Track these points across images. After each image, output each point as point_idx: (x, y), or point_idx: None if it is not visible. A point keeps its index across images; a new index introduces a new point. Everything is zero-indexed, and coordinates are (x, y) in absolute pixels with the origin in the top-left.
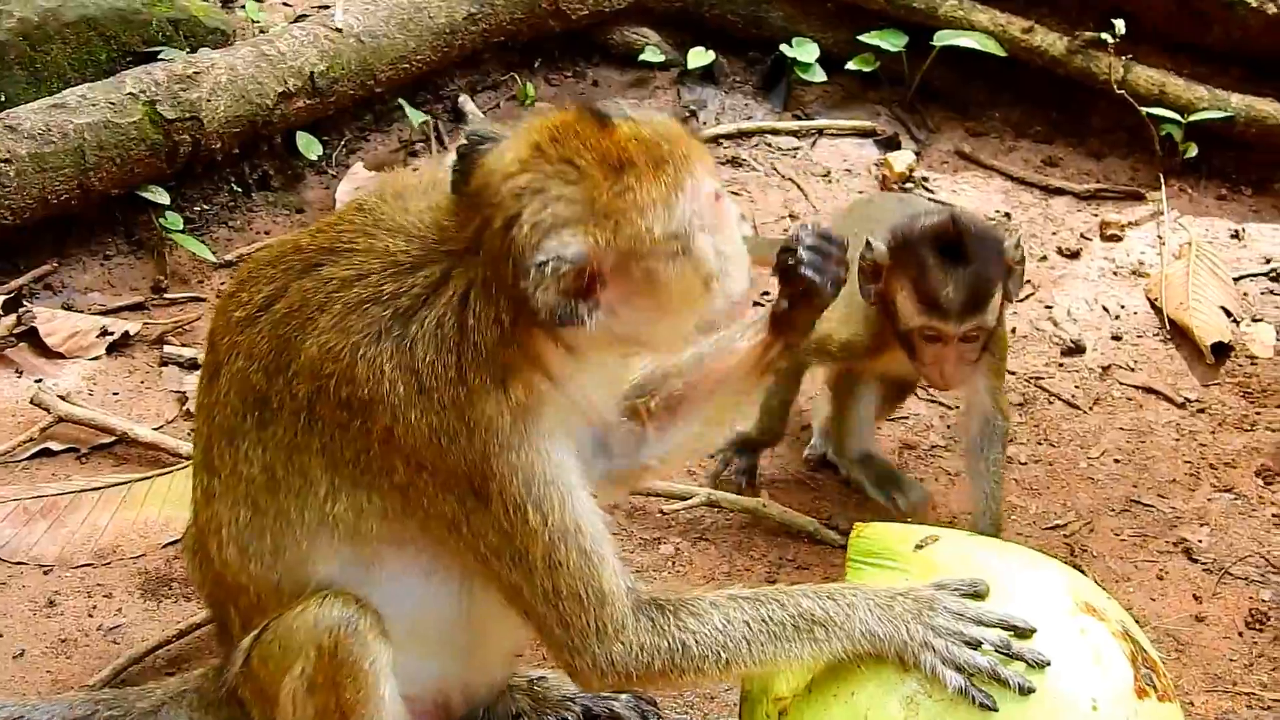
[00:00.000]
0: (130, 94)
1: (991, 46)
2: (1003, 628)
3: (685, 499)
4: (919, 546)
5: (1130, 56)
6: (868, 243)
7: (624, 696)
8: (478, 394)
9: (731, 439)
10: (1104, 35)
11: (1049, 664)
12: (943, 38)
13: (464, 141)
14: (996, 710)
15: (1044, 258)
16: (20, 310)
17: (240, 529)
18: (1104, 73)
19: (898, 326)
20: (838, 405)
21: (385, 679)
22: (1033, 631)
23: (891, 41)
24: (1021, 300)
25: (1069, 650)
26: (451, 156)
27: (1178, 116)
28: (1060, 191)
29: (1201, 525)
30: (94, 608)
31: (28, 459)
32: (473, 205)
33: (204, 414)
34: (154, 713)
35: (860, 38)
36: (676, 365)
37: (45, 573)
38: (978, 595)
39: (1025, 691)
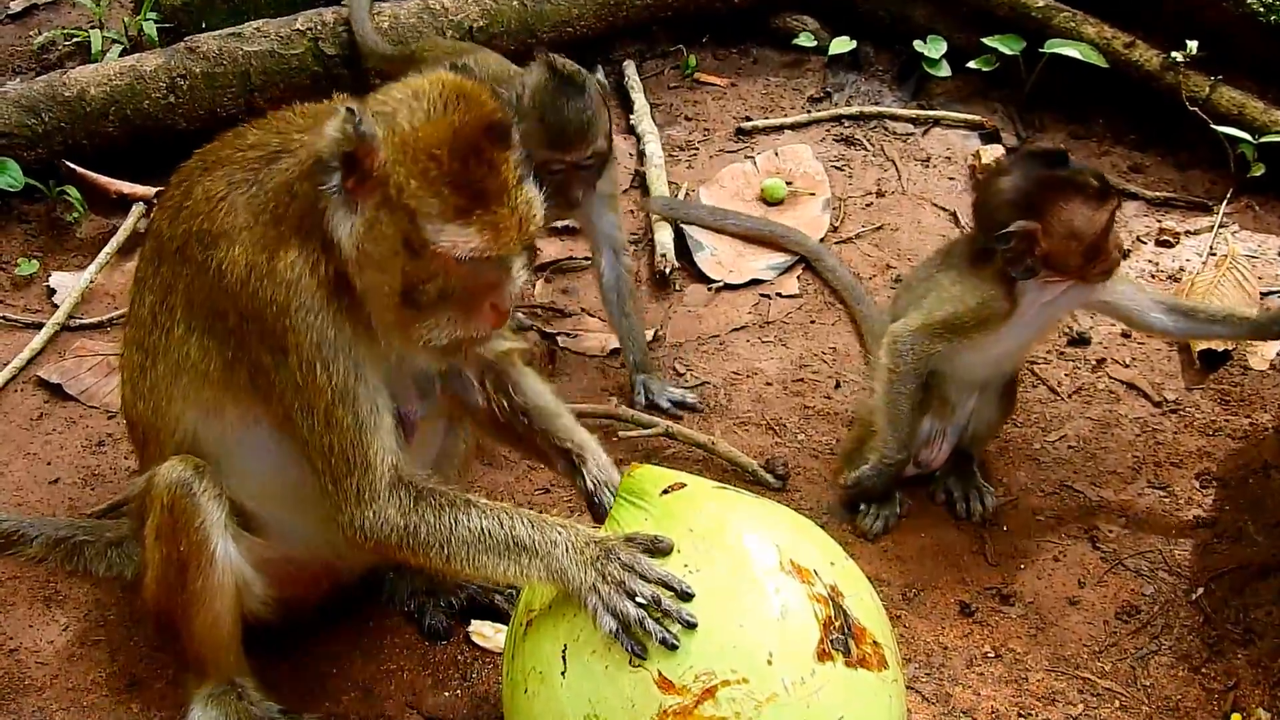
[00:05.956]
0: (298, 30)
1: (1094, 57)
2: (661, 585)
3: (647, 427)
4: (665, 491)
5: (1219, 78)
6: (1005, 234)
7: (507, 589)
8: (288, 243)
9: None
10: (1175, 54)
11: (695, 625)
12: (1052, 45)
13: None
14: (644, 659)
15: None
16: None
17: (132, 369)
18: (1189, 90)
19: (1082, 244)
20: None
21: (216, 536)
22: (690, 594)
23: (1010, 45)
24: None
25: (755, 605)
26: None
27: (1249, 136)
28: (1134, 196)
29: (1120, 516)
30: (131, 453)
31: None
32: None
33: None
34: (118, 543)
35: (983, 40)
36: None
37: (109, 418)
38: (656, 551)
39: (669, 646)
